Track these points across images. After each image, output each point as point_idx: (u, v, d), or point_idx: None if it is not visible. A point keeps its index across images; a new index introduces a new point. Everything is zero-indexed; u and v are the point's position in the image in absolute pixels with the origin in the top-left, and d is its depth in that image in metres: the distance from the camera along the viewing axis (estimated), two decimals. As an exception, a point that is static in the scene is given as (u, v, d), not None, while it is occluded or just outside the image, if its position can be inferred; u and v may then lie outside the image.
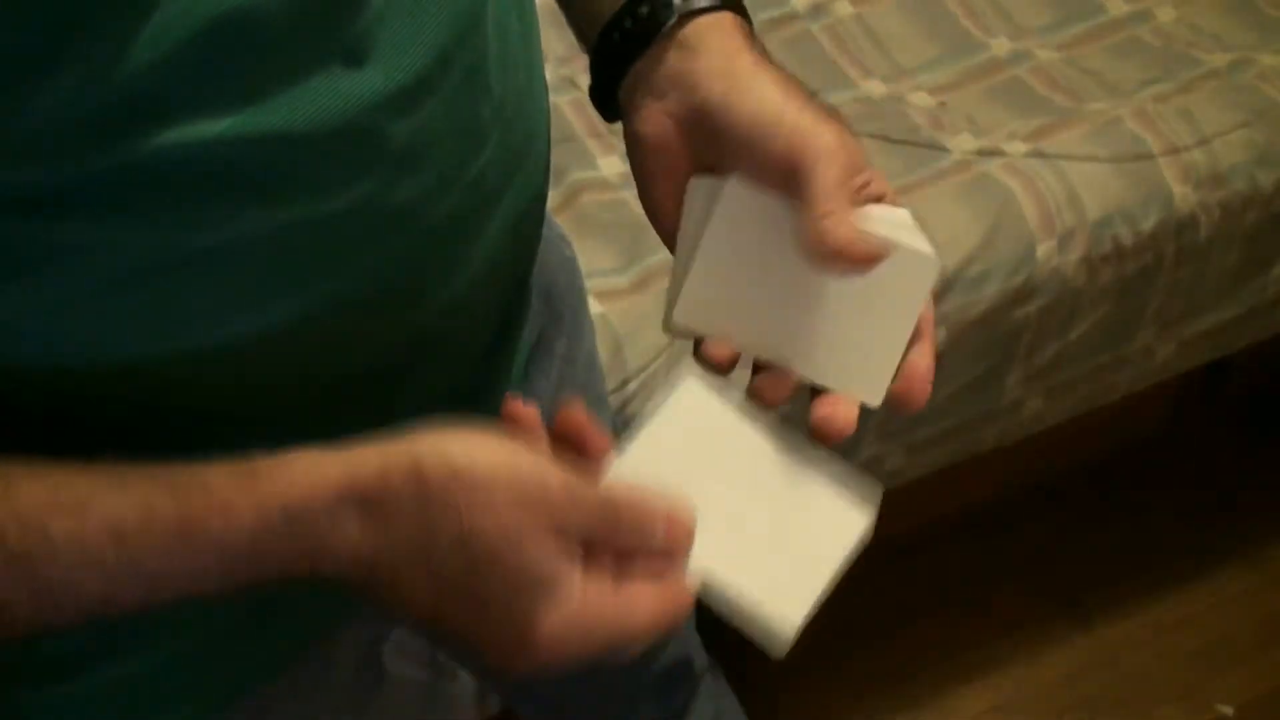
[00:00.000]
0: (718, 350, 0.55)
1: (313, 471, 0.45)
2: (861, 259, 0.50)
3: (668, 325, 0.55)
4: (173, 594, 0.46)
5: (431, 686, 1.12)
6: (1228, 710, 1.48)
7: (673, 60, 0.54)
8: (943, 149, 1.31)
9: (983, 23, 1.45)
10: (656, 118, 0.54)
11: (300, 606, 0.62)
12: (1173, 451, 1.67)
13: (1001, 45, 1.43)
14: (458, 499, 0.45)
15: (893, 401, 0.55)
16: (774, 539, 0.53)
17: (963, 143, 1.32)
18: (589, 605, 0.46)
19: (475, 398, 0.63)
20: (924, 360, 0.55)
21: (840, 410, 0.55)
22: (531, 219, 0.62)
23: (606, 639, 0.47)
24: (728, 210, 0.53)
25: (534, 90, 0.58)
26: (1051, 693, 1.50)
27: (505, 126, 0.54)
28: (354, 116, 0.45)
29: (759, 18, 1.46)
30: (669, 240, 0.56)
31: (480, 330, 0.62)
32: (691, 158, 0.55)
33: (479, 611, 0.46)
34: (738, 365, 0.56)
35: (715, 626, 1.14)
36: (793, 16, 1.46)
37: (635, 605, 0.47)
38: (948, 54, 1.42)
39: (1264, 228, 1.35)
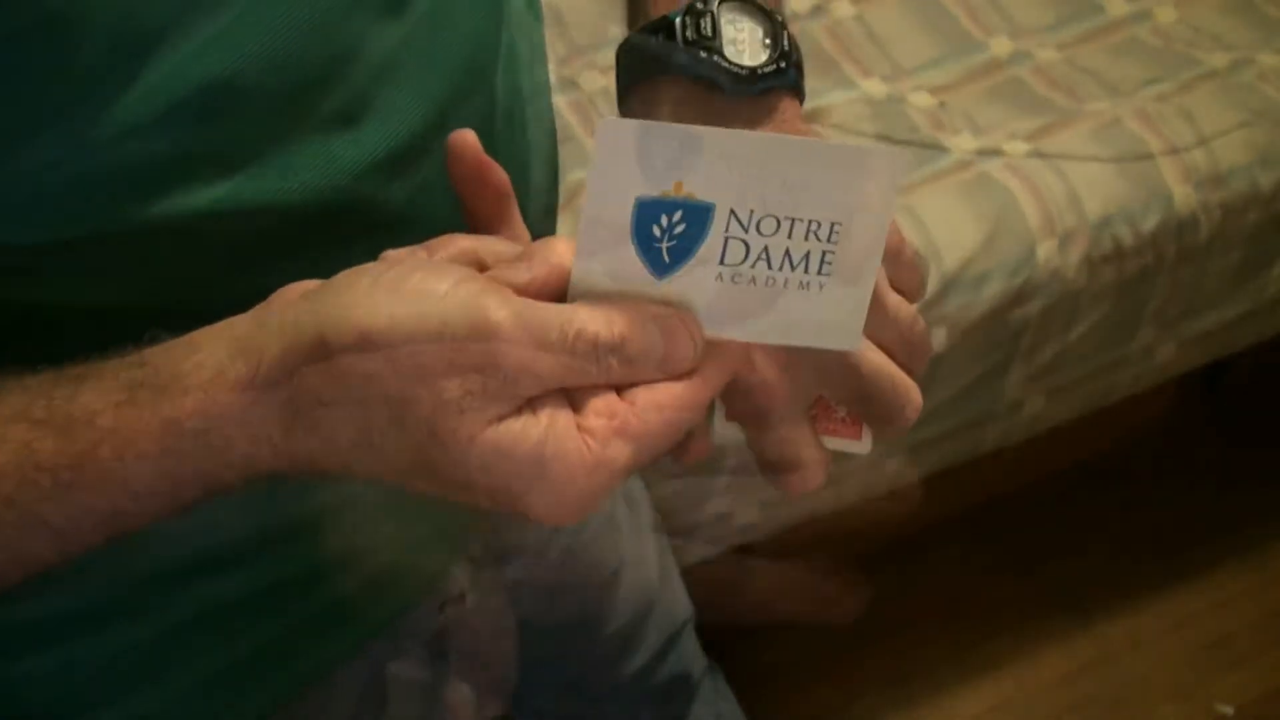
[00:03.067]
0: None
1: (209, 371, 0.37)
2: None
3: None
4: (99, 517, 0.39)
5: (431, 689, 1.12)
6: (1228, 710, 1.48)
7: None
8: (943, 149, 1.31)
9: (983, 23, 1.45)
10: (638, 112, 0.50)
11: (299, 650, 0.62)
12: (1173, 451, 1.67)
13: (1001, 45, 1.43)
14: (378, 368, 0.36)
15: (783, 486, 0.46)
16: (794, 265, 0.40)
17: (963, 143, 1.31)
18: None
19: None
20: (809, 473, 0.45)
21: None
22: None
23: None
24: (605, 159, 0.38)
25: (540, 138, 0.57)
26: (1051, 693, 1.50)
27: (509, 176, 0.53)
28: (349, 181, 0.44)
29: (759, 18, 1.47)
30: None
31: None
32: None
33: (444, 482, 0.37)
34: None
35: (714, 628, 1.14)
36: (793, 16, 1.46)
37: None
38: (948, 54, 1.42)
39: (1264, 228, 1.35)
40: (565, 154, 1.31)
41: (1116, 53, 1.42)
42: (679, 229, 0.39)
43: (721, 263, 0.39)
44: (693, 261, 0.39)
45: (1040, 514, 1.63)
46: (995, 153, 1.30)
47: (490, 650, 0.86)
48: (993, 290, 1.23)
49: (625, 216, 0.38)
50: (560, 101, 1.35)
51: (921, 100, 1.36)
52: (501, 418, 0.36)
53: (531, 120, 0.55)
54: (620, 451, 0.37)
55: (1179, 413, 1.66)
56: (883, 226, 0.40)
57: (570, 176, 1.27)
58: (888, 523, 1.52)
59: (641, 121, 0.38)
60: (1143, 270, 1.30)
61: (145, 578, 0.51)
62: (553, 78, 1.37)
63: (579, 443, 0.36)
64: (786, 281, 0.40)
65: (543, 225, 0.59)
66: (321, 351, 0.36)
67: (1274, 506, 1.64)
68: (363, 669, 0.68)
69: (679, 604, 0.98)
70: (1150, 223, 1.28)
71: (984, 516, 1.60)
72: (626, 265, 0.39)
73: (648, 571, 0.90)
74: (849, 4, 1.47)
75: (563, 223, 1.23)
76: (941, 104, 1.36)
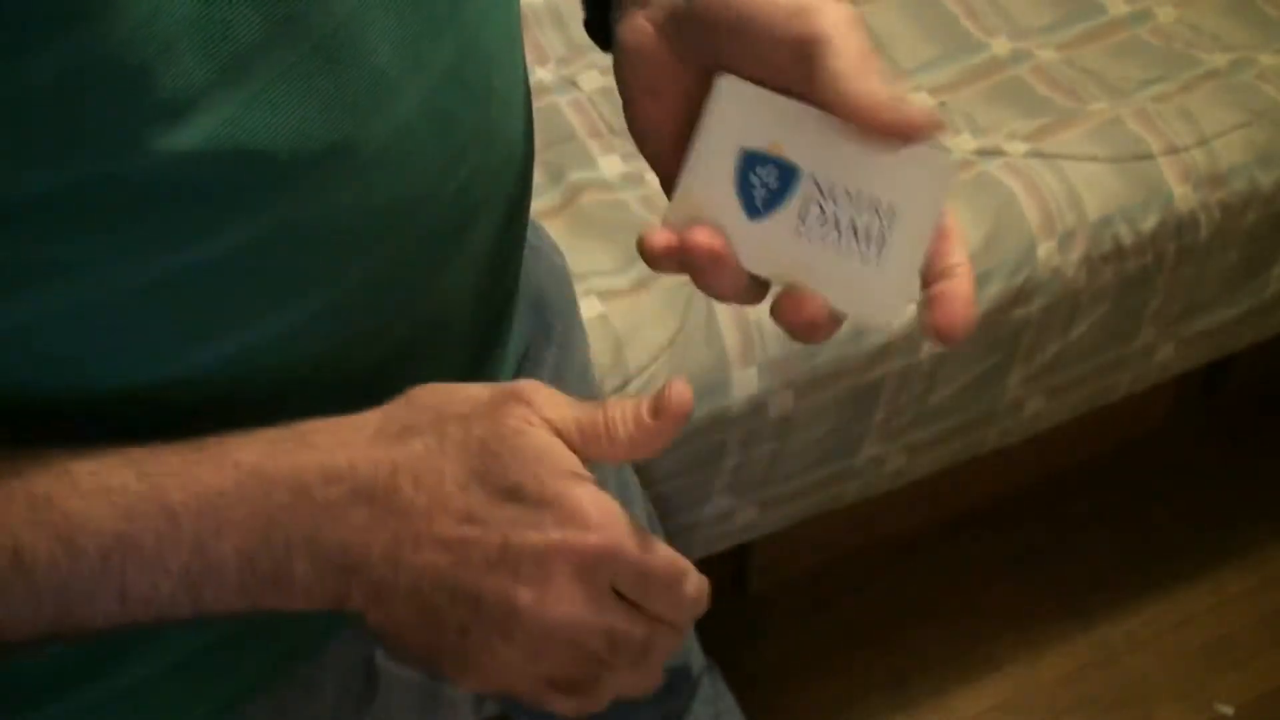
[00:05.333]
0: (707, 240, 0.47)
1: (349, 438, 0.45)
2: (912, 123, 0.44)
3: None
4: (188, 552, 0.44)
5: (429, 688, 1.12)
6: (1228, 710, 1.48)
7: None
8: (943, 149, 1.31)
9: (983, 23, 1.45)
10: (638, 25, 0.49)
11: (282, 625, 0.61)
12: (1173, 452, 1.68)
13: (1001, 45, 1.43)
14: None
15: (932, 332, 0.48)
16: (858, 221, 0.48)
17: (963, 143, 1.31)
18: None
19: None
20: (960, 285, 0.47)
21: (808, 305, 0.47)
22: (513, 233, 0.61)
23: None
24: (720, 109, 0.48)
25: (515, 101, 0.57)
26: (1051, 693, 1.50)
27: (487, 136, 0.52)
28: (331, 116, 0.44)
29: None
30: (659, 167, 0.51)
31: (463, 345, 0.61)
32: (678, 68, 0.49)
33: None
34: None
35: (713, 628, 1.14)
36: (792, 16, 1.46)
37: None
38: (948, 54, 1.42)
39: (1264, 228, 1.35)
40: (566, 154, 1.31)
41: (1116, 53, 1.42)
42: (772, 182, 0.47)
43: (801, 220, 0.47)
44: (780, 212, 0.47)
45: (1040, 514, 1.63)
46: (995, 153, 1.30)
47: None
48: (993, 290, 1.23)
49: (730, 161, 0.47)
50: (560, 101, 1.35)
51: (921, 100, 1.36)
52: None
53: (507, 67, 0.54)
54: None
55: (1179, 413, 1.66)
56: (930, 219, 0.47)
57: (571, 176, 1.27)
58: (887, 521, 1.52)
59: (755, 87, 0.46)
60: (1143, 270, 1.30)
61: None
62: (552, 77, 1.37)
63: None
64: (849, 249, 0.47)
65: (516, 186, 0.58)
66: None
67: (1274, 507, 1.64)
68: (349, 649, 0.68)
69: None
70: (1150, 222, 1.28)
71: (984, 516, 1.60)
72: (725, 202, 0.48)
73: None
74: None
75: (564, 221, 1.23)
76: (941, 104, 1.36)
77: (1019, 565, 1.59)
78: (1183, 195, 1.29)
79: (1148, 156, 1.30)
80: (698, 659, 1.03)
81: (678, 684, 1.00)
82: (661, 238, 0.47)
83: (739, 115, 0.47)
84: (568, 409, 0.45)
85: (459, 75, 0.49)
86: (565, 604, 0.44)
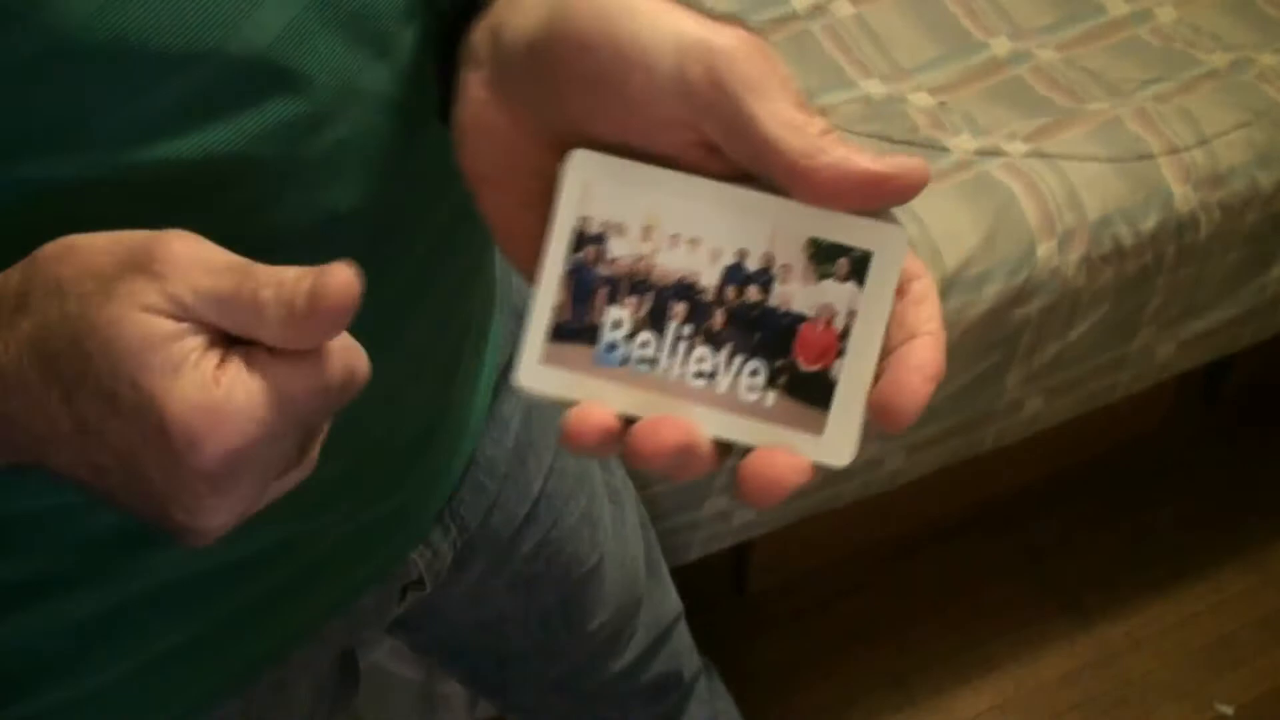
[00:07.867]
0: (593, 417, 0.37)
1: None
2: (883, 180, 0.36)
3: (515, 383, 0.38)
4: None
5: (425, 688, 1.12)
6: (1228, 710, 1.48)
7: (490, 17, 0.39)
8: (943, 149, 1.31)
9: (983, 23, 1.45)
10: (470, 93, 0.39)
11: (252, 630, 0.61)
12: (1173, 452, 1.68)
13: (1001, 45, 1.43)
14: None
15: (873, 409, 0.37)
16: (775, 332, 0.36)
17: (963, 143, 1.31)
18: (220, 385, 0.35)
19: (441, 417, 0.63)
20: (922, 353, 0.36)
21: (776, 462, 0.38)
22: (475, 242, 0.60)
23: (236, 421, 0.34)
24: (573, 195, 0.36)
25: None
26: (1051, 693, 1.50)
27: (428, 152, 0.50)
28: (256, 142, 0.43)
29: (759, 18, 1.47)
30: (527, 274, 0.39)
31: (441, 351, 0.60)
32: (526, 144, 0.38)
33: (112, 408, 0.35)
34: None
35: (712, 628, 1.14)
36: (793, 16, 1.46)
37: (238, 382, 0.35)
38: (948, 54, 1.42)
39: (1264, 228, 1.35)
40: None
41: (1116, 53, 1.42)
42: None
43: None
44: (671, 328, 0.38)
45: (1040, 514, 1.63)
46: (995, 153, 1.30)
47: (466, 640, 0.85)
48: (993, 290, 1.23)
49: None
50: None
51: (921, 100, 1.36)
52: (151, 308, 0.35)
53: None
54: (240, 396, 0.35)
55: (1179, 413, 1.66)
56: (882, 317, 0.37)
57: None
58: (887, 521, 1.52)
59: (618, 159, 0.36)
60: (1142, 270, 1.30)
61: (91, 546, 0.50)
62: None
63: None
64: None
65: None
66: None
67: (1274, 506, 1.64)
68: (322, 653, 0.68)
69: (668, 601, 0.98)
70: (1150, 222, 1.28)
71: (983, 516, 1.60)
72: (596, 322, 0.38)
73: (633, 568, 0.90)
74: (849, 4, 1.47)
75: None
76: (941, 104, 1.36)
77: (1019, 565, 1.59)
78: (1183, 195, 1.29)
79: (1148, 156, 1.30)
80: (691, 661, 1.03)
81: (670, 684, 1.00)
82: (598, 419, 0.37)
83: (601, 199, 0.36)
84: (208, 278, 0.35)
85: (397, 100, 0.47)
86: (208, 507, 0.36)
